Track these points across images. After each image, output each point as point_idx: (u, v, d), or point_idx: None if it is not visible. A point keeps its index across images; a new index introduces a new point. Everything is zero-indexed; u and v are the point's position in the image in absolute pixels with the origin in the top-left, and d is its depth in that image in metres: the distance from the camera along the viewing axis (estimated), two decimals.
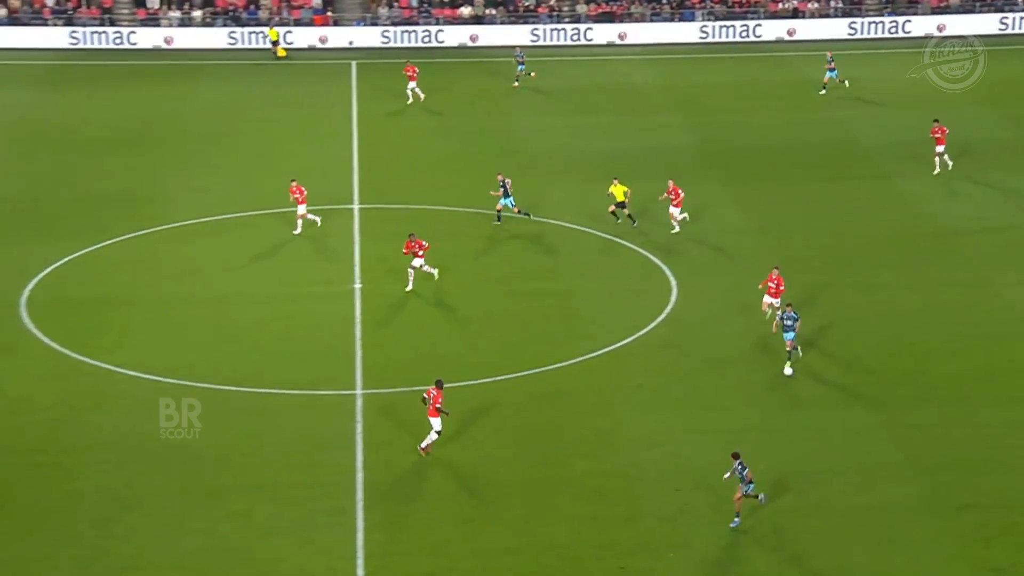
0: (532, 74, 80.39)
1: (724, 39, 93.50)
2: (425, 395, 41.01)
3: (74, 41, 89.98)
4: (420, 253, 51.86)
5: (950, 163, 64.75)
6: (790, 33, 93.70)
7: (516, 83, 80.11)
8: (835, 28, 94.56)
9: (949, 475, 40.37)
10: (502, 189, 58.11)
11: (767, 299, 48.83)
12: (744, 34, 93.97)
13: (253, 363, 47.17)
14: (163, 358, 47.10)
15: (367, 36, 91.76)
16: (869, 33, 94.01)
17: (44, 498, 39.26)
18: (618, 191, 57.41)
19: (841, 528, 37.84)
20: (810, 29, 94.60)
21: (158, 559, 36.39)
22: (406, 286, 51.79)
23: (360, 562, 36.45)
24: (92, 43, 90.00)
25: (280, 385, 45.63)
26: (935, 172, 64.73)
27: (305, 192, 57.24)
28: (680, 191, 57.33)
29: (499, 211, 58.53)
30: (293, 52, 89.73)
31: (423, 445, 40.77)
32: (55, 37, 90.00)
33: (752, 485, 37.22)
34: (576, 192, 63.58)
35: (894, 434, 42.78)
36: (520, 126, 74.53)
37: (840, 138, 70.79)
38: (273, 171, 65.36)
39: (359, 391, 45.44)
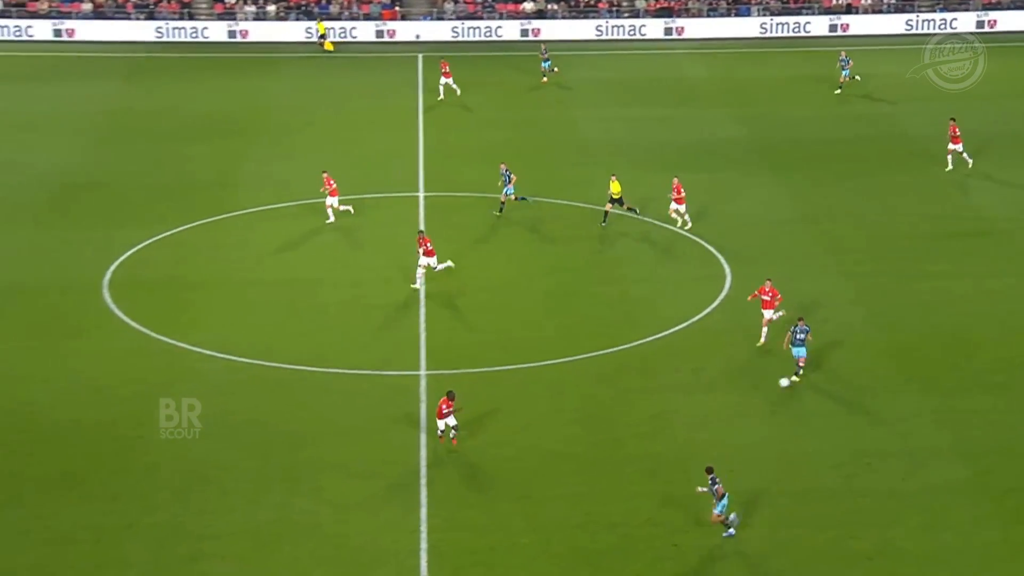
0: (555, 69, 79.72)
1: (779, 34, 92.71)
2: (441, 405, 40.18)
3: (159, 35, 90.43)
4: (430, 249, 50.74)
5: (969, 161, 63.53)
6: (843, 28, 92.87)
7: (545, 79, 79.51)
8: (891, 24, 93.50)
9: (995, 459, 39.90)
10: (505, 178, 57.94)
11: (766, 314, 46.33)
12: (796, 29, 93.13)
13: (323, 344, 47.20)
14: (237, 338, 47.24)
15: (434, 30, 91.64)
16: (924, 29, 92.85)
17: (124, 470, 39.51)
18: (615, 187, 56.60)
19: (888, 511, 37.48)
20: (864, 25, 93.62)
21: (233, 530, 36.52)
22: (413, 283, 50.91)
23: (424, 536, 36.44)
24: (174, 36, 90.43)
25: (349, 366, 45.66)
26: (947, 169, 63.68)
27: (334, 184, 57.00)
28: (682, 189, 56.43)
29: (503, 202, 58.25)
30: (361, 46, 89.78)
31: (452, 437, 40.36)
32: (141, 31, 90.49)
33: (724, 502, 35.61)
34: (633, 181, 63.13)
35: (941, 419, 42.29)
36: (578, 117, 74.18)
37: (890, 131, 70.02)
38: (344, 160, 65.43)
39: (423, 372, 45.38)
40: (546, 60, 79.77)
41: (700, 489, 36.08)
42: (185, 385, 44.24)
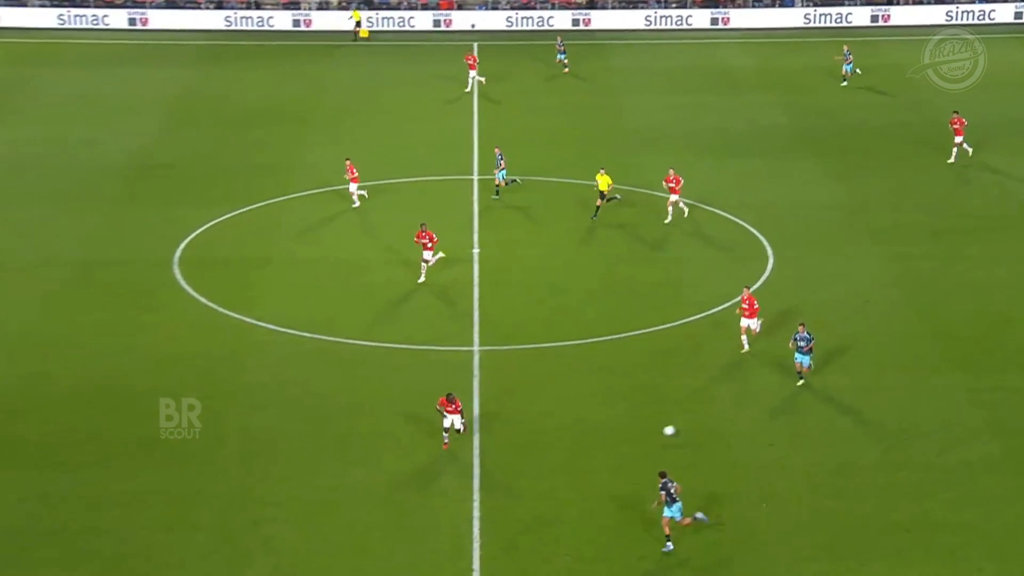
0: (566, 70, 79.12)
1: (821, 24, 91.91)
2: (439, 406, 38.90)
3: (227, 23, 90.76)
4: (429, 246, 49.42)
5: (969, 150, 62.51)
6: (884, 19, 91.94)
7: (566, 69, 78.87)
8: (931, 14, 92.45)
9: None
10: (498, 162, 57.82)
11: (744, 322, 44.28)
12: (839, 20, 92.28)
13: (379, 320, 47.29)
14: (298, 314, 47.39)
15: (489, 20, 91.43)
16: (963, 20, 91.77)
17: (190, 437, 39.72)
18: (603, 181, 55.63)
19: (924, 484, 37.31)
20: (905, 15, 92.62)
21: (294, 497, 36.68)
22: (418, 277, 49.83)
23: (476, 504, 36.48)
24: (241, 25, 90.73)
25: (404, 341, 45.71)
26: (950, 160, 62.73)
27: (356, 171, 56.83)
28: (680, 179, 55.35)
29: (498, 186, 58.04)
30: (419, 34, 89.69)
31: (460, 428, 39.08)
32: (210, 19, 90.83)
33: (679, 504, 34.27)
34: (678, 165, 62.70)
35: (976, 398, 41.94)
36: (627, 104, 73.89)
37: (931, 119, 69.22)
38: (400, 144, 65.47)
39: (476, 348, 45.35)
40: (562, 52, 79.23)
41: (654, 505, 34.63)
42: (249, 358, 44.53)
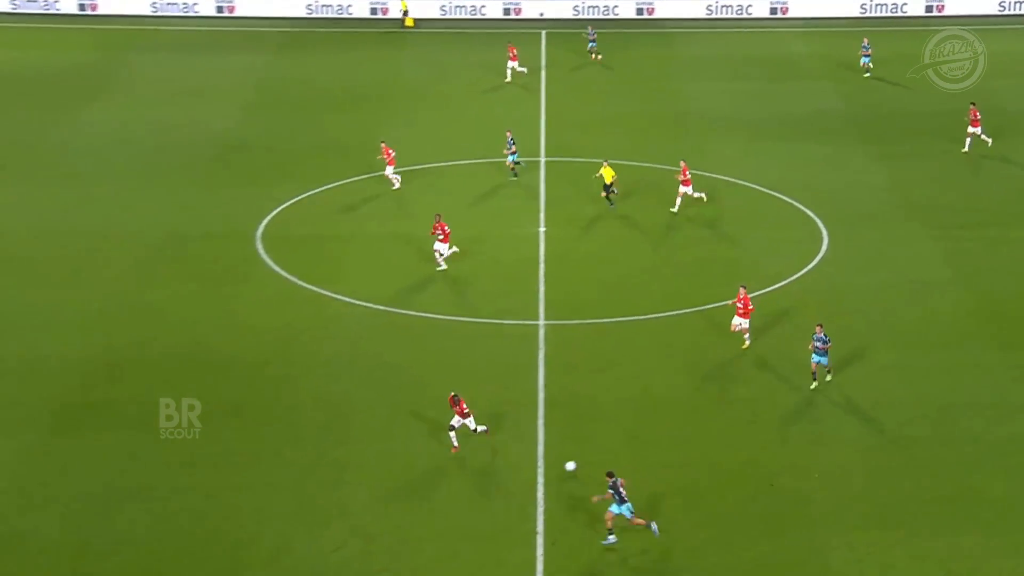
0: (598, 57, 78.20)
1: (877, 14, 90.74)
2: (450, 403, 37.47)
3: (308, 11, 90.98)
4: (441, 237, 48.58)
5: (989, 140, 61.05)
6: (939, 9, 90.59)
7: (595, 56, 77.98)
8: (985, 5, 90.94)
9: None
10: (509, 145, 57.58)
11: (736, 320, 42.91)
12: (894, 9, 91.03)
13: (450, 294, 47.39)
14: (373, 288, 47.58)
15: (556, 8, 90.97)
16: (1017, 10, 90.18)
17: (273, 405, 40.11)
18: (607, 173, 54.65)
19: (972, 458, 37.01)
20: (959, 5, 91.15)
21: (368, 461, 36.92)
22: (436, 266, 49.08)
23: (540, 471, 36.55)
24: (322, 12, 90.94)
25: (473, 314, 45.80)
26: (964, 150, 61.48)
27: (393, 153, 56.74)
28: (688, 171, 54.21)
29: (515, 166, 57.86)
30: (489, 22, 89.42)
31: (484, 429, 37.68)
32: (293, 7, 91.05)
33: (629, 504, 33.11)
34: (737, 150, 62.54)
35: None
36: (689, 90, 73.33)
37: (983, 106, 68.14)
38: (470, 127, 65.45)
39: (542, 322, 45.33)
40: (593, 40, 78.39)
41: (596, 498, 33.56)
42: (326, 329, 44.77)
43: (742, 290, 43.02)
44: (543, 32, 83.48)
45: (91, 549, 33.35)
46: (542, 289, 47.83)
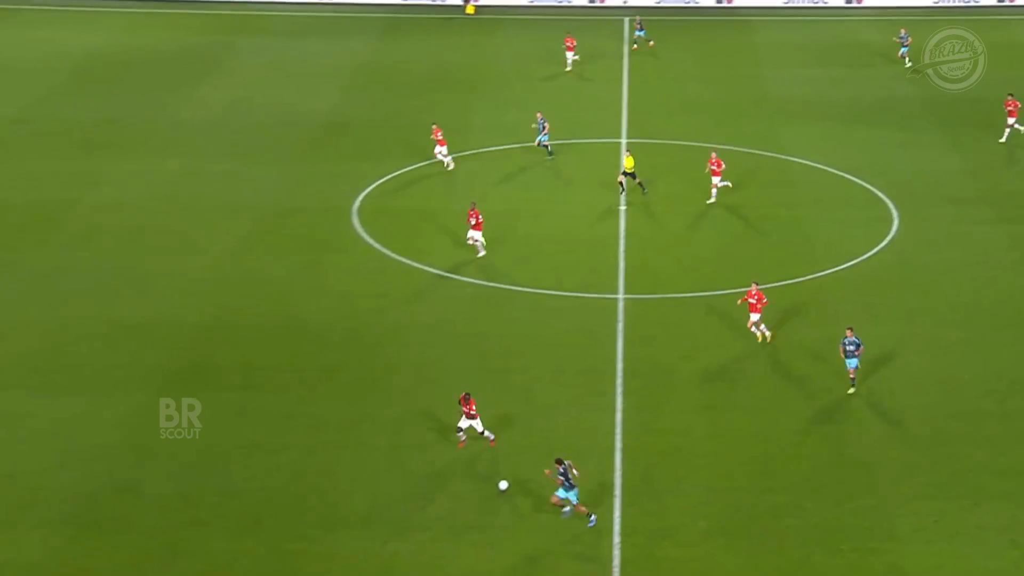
0: (651, 43, 77.04)
1: (950, 4, 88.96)
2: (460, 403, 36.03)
3: None
4: (473, 224, 47.42)
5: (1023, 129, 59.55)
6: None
7: (650, 43, 76.83)
8: None
9: None
10: (541, 127, 57.14)
11: (753, 316, 41.35)
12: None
13: (534, 268, 47.39)
14: (460, 261, 47.73)
15: None
16: None
17: (367, 369, 40.45)
18: (628, 162, 53.36)
19: None
20: None
21: (454, 425, 37.03)
22: (477, 253, 47.93)
23: (618, 437, 36.56)
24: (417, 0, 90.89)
25: (555, 287, 45.80)
26: (1001, 140, 59.64)
27: (441, 135, 56.37)
28: (722, 162, 52.91)
29: (548, 147, 57.52)
30: (571, 10, 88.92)
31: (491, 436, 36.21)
32: None
33: (576, 491, 32.39)
34: (813, 133, 61.81)
35: None
36: (768, 77, 72.45)
37: None
38: (556, 109, 65.19)
39: (621, 295, 45.23)
40: (640, 30, 77.10)
41: (548, 472, 32.95)
42: (417, 300, 45.06)
43: (754, 286, 41.58)
44: (625, 20, 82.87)
45: (199, 500, 33.93)
46: (622, 264, 47.69)
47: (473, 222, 47.65)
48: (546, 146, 58.02)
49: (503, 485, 33.92)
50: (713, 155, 52.95)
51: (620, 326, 42.92)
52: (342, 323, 43.35)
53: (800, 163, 57.60)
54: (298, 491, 34.29)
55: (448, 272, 46.89)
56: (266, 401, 38.51)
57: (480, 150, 59.60)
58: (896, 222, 50.99)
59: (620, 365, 40.31)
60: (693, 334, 42.43)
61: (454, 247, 48.89)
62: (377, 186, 55.30)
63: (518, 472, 34.84)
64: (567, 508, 32.61)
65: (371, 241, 49.67)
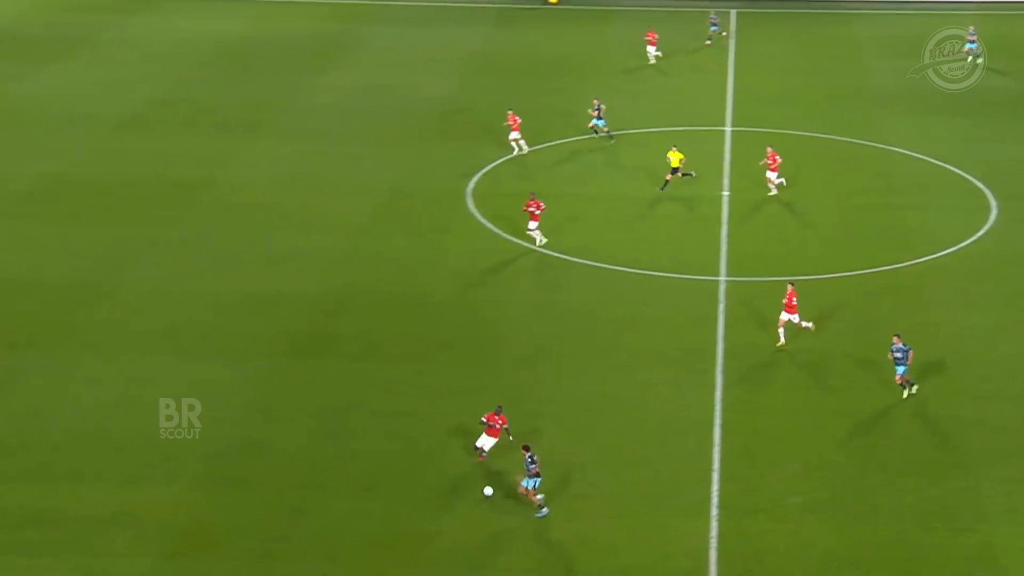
0: (724, 33, 75.00)
1: None
2: (485, 419, 34.01)
3: None
4: (536, 214, 46.11)
5: None
6: None
7: (709, 41, 74.73)
8: None
9: None
10: (596, 111, 56.44)
11: (784, 315, 39.40)
12: None
13: (639, 250, 47.03)
14: (570, 241, 47.55)
15: None
16: None
17: (479, 341, 40.64)
18: (675, 158, 51.12)
19: None
20: None
21: (563, 397, 37.15)
22: (536, 242, 46.82)
23: (718, 414, 36.26)
24: None
25: (659, 268, 45.44)
26: None
27: (519, 120, 55.85)
28: (777, 157, 50.66)
29: (607, 132, 56.84)
30: (682, 2, 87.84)
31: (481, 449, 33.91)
32: None
33: (538, 480, 31.51)
34: (911, 123, 60.39)
35: None
36: (869, 67, 70.89)
37: None
38: (664, 97, 64.71)
39: (723, 278, 44.73)
40: (715, 25, 75.19)
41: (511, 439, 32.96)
42: (527, 277, 45.02)
43: (789, 287, 39.63)
44: (733, 12, 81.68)
45: (321, 461, 34.36)
46: (724, 247, 47.13)
47: (535, 211, 46.54)
48: (605, 130, 57.36)
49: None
50: (769, 150, 51.41)
51: (721, 307, 42.45)
52: (458, 298, 43.49)
53: (898, 152, 56.37)
54: (413, 457, 34.52)
55: (557, 252, 46.75)
56: (384, 370, 38.82)
57: (588, 137, 59.21)
58: (994, 211, 49.68)
59: (720, 345, 39.89)
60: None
61: (562, 228, 48.68)
62: (491, 168, 55.26)
63: (622, 447, 34.70)
64: (544, 509, 31.49)
65: (484, 221, 49.69)
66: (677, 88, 67.10)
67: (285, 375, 38.58)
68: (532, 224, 46.57)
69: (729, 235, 48.23)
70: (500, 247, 47.50)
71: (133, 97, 64.31)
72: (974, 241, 47.16)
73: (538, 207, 46.42)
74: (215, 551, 30.90)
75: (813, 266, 45.27)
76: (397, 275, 45.34)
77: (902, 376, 36.46)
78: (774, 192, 51.22)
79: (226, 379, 38.28)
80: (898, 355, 36.41)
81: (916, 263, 45.49)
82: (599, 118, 57.28)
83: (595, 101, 57.76)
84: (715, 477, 33.35)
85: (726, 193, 52.18)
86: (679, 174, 51.48)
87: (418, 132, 60.41)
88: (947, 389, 37.32)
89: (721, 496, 32.61)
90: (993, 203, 50.47)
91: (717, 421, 35.83)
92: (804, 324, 39.61)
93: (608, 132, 57.48)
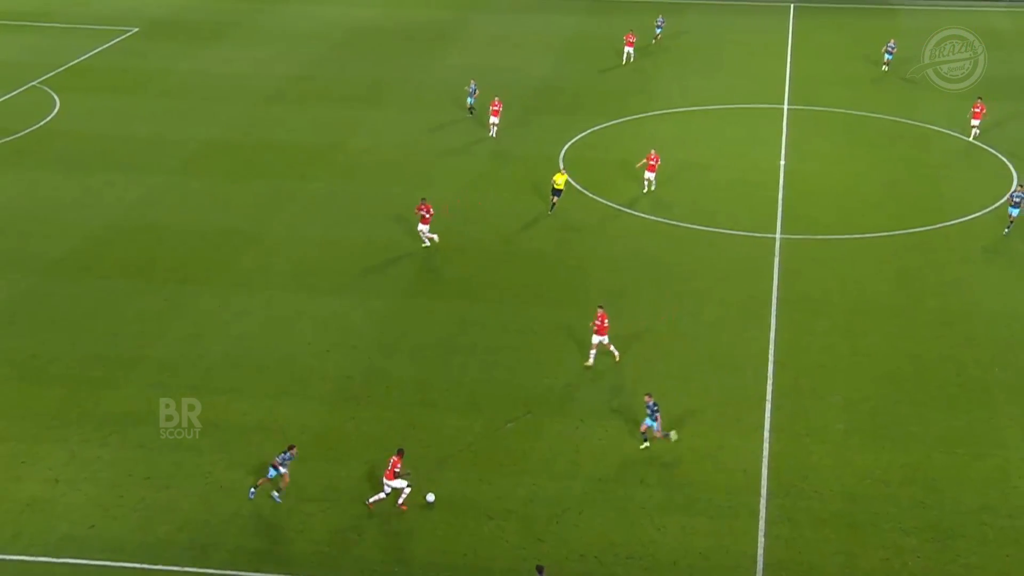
0: (656, 40, 70.59)
1: None
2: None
3: None
4: (426, 217, 42.17)
5: None
6: None
7: (654, 40, 70.38)
8: None
9: None
10: (473, 91, 55.25)
11: (595, 339, 34.96)
12: None
13: (706, 209, 46.49)
14: (646, 201, 47.11)
15: None
16: None
17: (565, 289, 40.53)
18: (560, 179, 46.10)
19: None
20: None
21: (639, 332, 37.00)
22: (423, 242, 45.81)
23: (771, 352, 35.94)
24: None
25: (723, 226, 44.90)
26: None
27: (499, 104, 54.30)
28: (659, 158, 47.11)
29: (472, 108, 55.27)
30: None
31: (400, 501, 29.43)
32: None
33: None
34: (947, 105, 58.52)
35: None
36: (910, 56, 68.67)
37: None
38: (732, 78, 63.51)
39: (778, 235, 44.04)
40: (659, 27, 71.89)
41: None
42: (610, 232, 44.73)
43: (599, 310, 35.10)
44: (792, 6, 79.70)
45: (432, 386, 34.70)
46: (780, 210, 46.37)
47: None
48: (472, 108, 56.47)
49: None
50: (652, 151, 47.61)
51: (776, 261, 41.87)
52: (547, 250, 43.39)
53: (933, 129, 54.82)
54: (512, 382, 34.67)
55: (635, 211, 46.37)
56: (484, 310, 38.94)
57: (664, 111, 58.44)
58: (1015, 182, 48.11)
59: (775, 294, 39.38)
60: (839, 270, 41.15)
61: (640, 189, 48.19)
62: (580, 137, 54.86)
63: (689, 376, 34.51)
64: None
65: (573, 183, 49.37)
66: (745, 71, 65.79)
67: (402, 312, 38.85)
68: (422, 227, 42.82)
69: (784, 199, 47.40)
70: (587, 205, 47.23)
71: (276, 74, 64.84)
72: (997, 207, 45.77)
73: (428, 211, 42.66)
74: (343, 457, 31.40)
75: (858, 227, 44.43)
76: (494, 226, 45.31)
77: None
78: (646, 191, 47.19)
79: (352, 314, 38.73)
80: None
81: (947, 225, 44.37)
82: (472, 97, 56.17)
83: (472, 82, 56.48)
84: (768, 405, 33.10)
85: (783, 163, 51.25)
86: (558, 196, 45.78)
87: (519, 106, 60.08)
88: (972, 335, 36.47)
89: (773, 421, 32.37)
90: (1015, 174, 48.93)
91: (771, 357, 35.48)
92: (613, 348, 34.98)
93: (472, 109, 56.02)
